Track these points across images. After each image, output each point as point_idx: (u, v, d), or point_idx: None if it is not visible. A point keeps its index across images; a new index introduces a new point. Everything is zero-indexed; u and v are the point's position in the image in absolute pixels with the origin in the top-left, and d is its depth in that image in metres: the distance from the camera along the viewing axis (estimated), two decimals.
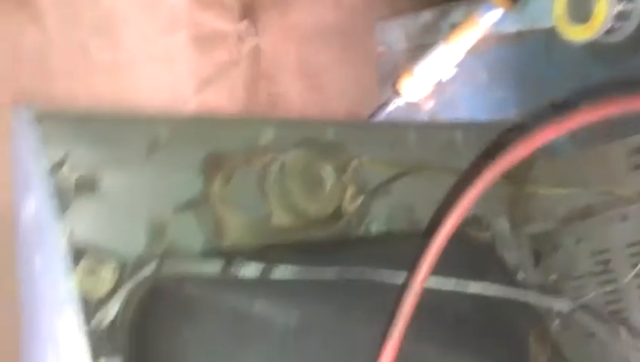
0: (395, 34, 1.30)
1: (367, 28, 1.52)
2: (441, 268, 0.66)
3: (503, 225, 0.90)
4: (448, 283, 0.64)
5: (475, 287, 0.64)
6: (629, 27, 0.81)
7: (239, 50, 1.42)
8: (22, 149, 0.62)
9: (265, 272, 0.63)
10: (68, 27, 1.23)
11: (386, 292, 0.60)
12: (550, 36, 0.90)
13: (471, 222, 0.86)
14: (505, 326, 0.69)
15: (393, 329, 0.44)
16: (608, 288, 0.82)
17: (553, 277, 0.85)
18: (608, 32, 0.81)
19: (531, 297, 0.73)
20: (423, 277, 0.44)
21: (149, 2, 1.31)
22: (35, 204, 0.60)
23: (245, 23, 1.40)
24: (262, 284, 0.62)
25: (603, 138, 0.85)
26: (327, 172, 0.74)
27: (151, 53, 1.35)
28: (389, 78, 1.27)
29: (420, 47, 1.19)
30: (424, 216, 0.83)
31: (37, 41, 1.19)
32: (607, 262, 0.83)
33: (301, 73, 1.52)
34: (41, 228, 0.60)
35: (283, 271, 0.63)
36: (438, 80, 1.14)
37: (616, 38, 0.82)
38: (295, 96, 1.50)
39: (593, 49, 0.86)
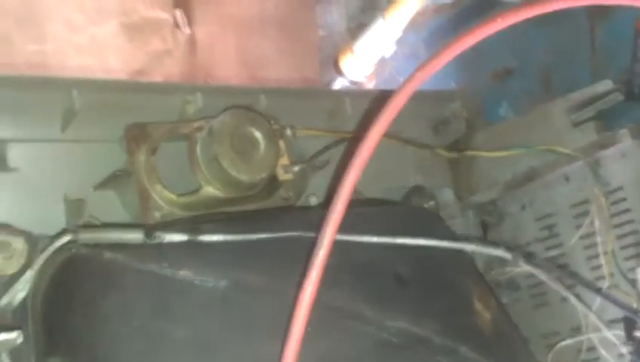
0: (336, 15, 1.27)
1: (310, 18, 1.49)
2: (378, 227, 0.63)
3: (447, 195, 0.87)
4: (386, 243, 0.61)
5: (415, 242, 0.61)
6: None
7: (175, 39, 1.37)
8: None
9: (191, 239, 0.58)
10: None
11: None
12: (485, 3, 0.88)
13: (414, 191, 0.84)
14: (447, 286, 0.66)
15: (304, 287, 0.42)
16: (554, 253, 0.81)
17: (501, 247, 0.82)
18: None
19: (474, 246, 0.70)
20: (329, 235, 0.42)
21: None
22: None
23: (179, 11, 1.36)
24: (187, 251, 0.57)
25: (543, 99, 0.84)
26: (258, 138, 0.69)
27: (79, 43, 1.29)
28: (331, 61, 1.24)
29: (360, 27, 1.17)
30: (366, 186, 0.80)
31: None
32: (551, 226, 0.82)
33: (241, 64, 1.47)
34: None
35: (210, 238, 0.58)
36: (379, 57, 1.12)
37: None
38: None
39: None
